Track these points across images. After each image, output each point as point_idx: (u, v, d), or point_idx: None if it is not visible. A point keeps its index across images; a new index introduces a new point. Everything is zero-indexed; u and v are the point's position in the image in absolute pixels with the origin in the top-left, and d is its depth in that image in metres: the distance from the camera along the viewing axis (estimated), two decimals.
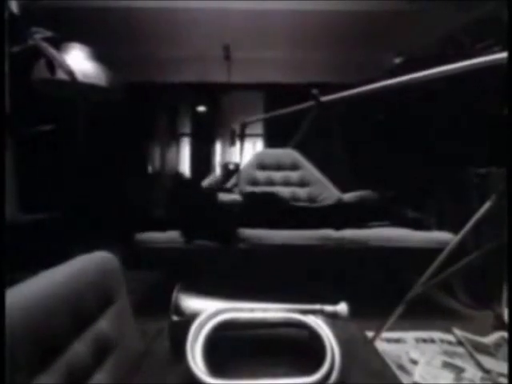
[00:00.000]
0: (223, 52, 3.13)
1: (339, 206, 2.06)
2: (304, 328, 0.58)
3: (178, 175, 4.09)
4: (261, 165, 2.55)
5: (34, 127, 1.84)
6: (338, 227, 1.68)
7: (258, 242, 1.62)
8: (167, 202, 2.37)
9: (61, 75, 1.75)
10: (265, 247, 1.61)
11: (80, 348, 0.56)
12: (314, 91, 1.45)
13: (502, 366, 1.19)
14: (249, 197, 2.04)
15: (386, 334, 1.34)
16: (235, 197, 2.04)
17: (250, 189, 2.35)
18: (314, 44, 3.20)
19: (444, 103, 2.41)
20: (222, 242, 1.62)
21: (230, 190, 2.29)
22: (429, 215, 2.10)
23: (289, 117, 2.41)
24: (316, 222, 1.72)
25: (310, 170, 2.53)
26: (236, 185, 2.41)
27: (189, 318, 0.56)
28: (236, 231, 1.64)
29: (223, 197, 2.05)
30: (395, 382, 0.56)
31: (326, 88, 3.36)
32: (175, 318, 0.58)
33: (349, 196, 2.30)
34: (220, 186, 2.45)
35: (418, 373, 1.17)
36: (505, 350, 1.32)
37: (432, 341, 1.39)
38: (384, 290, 1.57)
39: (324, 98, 1.46)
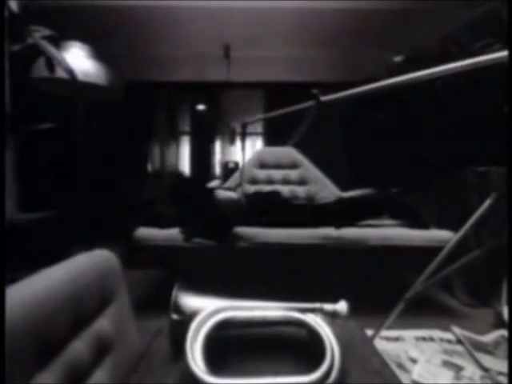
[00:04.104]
0: (223, 51, 3.13)
1: (339, 203, 2.06)
2: (303, 327, 0.58)
3: (178, 174, 4.09)
4: (260, 163, 2.55)
5: (33, 126, 1.84)
6: (338, 225, 1.68)
7: (258, 240, 1.62)
8: (169, 199, 2.37)
9: (60, 74, 1.74)
10: (264, 246, 1.62)
11: (79, 347, 0.56)
12: (314, 91, 1.44)
13: (501, 365, 1.19)
14: (253, 197, 2.05)
15: (385, 333, 1.35)
16: (231, 194, 2.04)
17: (251, 188, 2.35)
18: (313, 43, 3.20)
19: (444, 102, 2.41)
20: (219, 240, 1.62)
21: (233, 190, 2.28)
22: (428, 214, 2.10)
23: (289, 116, 2.40)
24: (316, 220, 1.73)
25: (309, 168, 2.53)
26: (239, 184, 2.41)
27: (188, 317, 0.56)
28: (232, 230, 1.64)
29: (220, 193, 2.05)
30: (394, 380, 0.56)
31: (326, 87, 3.36)
32: (175, 316, 0.58)
33: (349, 194, 2.30)
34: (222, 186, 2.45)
35: (417, 371, 1.17)
36: (504, 348, 1.32)
37: (431, 339, 1.40)
38: (383, 289, 1.57)
39: (324, 98, 1.45)
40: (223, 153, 4.12)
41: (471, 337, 1.39)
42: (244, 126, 2.05)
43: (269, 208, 1.84)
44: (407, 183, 2.46)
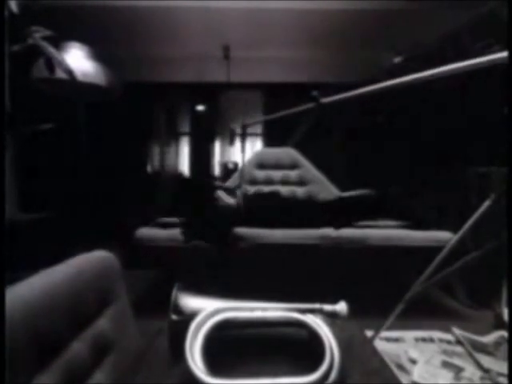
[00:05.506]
0: (223, 51, 3.13)
1: (338, 203, 2.07)
2: (303, 327, 0.58)
3: (178, 174, 4.10)
4: (260, 164, 2.55)
5: (33, 126, 1.84)
6: (337, 226, 1.68)
7: (257, 241, 1.62)
8: (170, 200, 2.37)
9: (60, 74, 1.74)
10: (264, 246, 1.62)
11: (79, 347, 0.56)
12: (314, 93, 1.42)
13: (501, 366, 1.19)
14: (253, 198, 2.06)
15: (385, 333, 1.35)
16: (230, 200, 2.05)
17: (251, 189, 2.35)
18: (313, 43, 3.20)
19: (444, 103, 2.41)
20: (219, 242, 1.62)
21: (233, 191, 2.28)
22: (428, 214, 2.10)
23: (288, 117, 2.40)
24: (316, 219, 1.73)
25: (309, 169, 2.53)
26: (239, 185, 2.41)
27: (188, 318, 0.56)
28: (232, 232, 1.64)
29: (220, 196, 2.06)
30: (394, 381, 0.56)
31: (325, 87, 3.36)
32: (174, 317, 0.57)
33: (348, 195, 2.30)
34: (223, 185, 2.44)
35: (417, 372, 1.17)
36: (504, 349, 1.32)
37: (431, 340, 1.40)
38: (383, 289, 1.57)
39: (324, 100, 1.43)
40: (223, 153, 4.12)
41: (471, 338, 1.39)
42: (244, 128, 2.03)
43: (268, 209, 1.84)
44: (407, 184, 2.47)
